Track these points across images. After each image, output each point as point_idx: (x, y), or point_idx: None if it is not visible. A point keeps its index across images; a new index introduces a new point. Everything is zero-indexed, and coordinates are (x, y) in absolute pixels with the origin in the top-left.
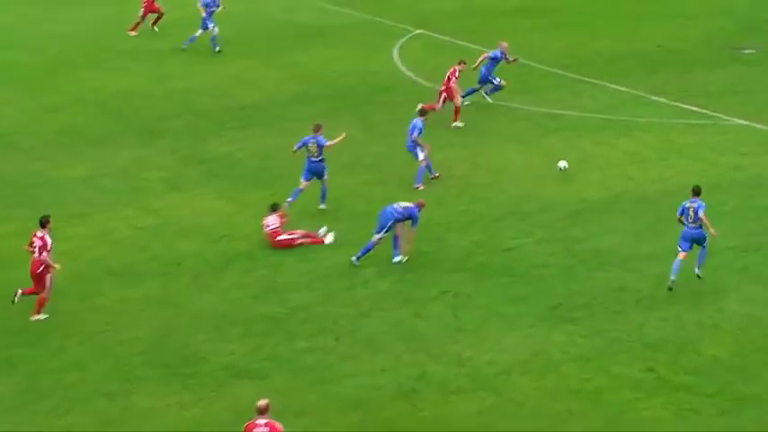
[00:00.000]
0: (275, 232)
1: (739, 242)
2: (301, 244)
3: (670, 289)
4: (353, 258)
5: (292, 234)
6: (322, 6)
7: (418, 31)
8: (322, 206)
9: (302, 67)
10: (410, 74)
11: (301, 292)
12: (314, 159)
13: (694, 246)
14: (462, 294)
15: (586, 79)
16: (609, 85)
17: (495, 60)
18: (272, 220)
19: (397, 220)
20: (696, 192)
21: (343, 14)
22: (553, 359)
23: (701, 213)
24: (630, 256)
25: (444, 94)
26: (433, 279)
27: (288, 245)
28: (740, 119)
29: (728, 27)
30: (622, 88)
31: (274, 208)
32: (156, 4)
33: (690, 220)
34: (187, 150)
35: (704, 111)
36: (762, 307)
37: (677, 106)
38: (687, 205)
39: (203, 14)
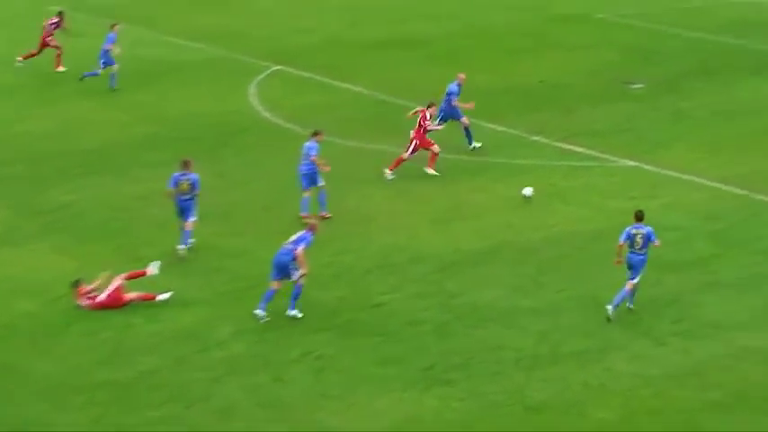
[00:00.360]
0: (92, 298)
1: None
2: (131, 301)
3: (608, 320)
4: (259, 312)
5: (115, 292)
6: (170, 41)
7: (277, 68)
8: (181, 248)
9: (150, 108)
10: (268, 114)
11: (149, 355)
12: (184, 198)
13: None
14: (327, 356)
15: None
16: (486, 124)
17: (451, 95)
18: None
19: (292, 261)
20: (639, 217)
21: (193, 50)
22: (427, 426)
23: (656, 241)
24: (510, 311)
25: (416, 142)
26: (295, 339)
27: (113, 303)
28: (628, 159)
29: (615, 60)
30: (500, 128)
31: (76, 284)
32: (52, 39)
33: (637, 247)
34: (23, 200)
35: (590, 151)
36: (651, 365)
37: (561, 147)
38: (633, 231)
39: (107, 50)
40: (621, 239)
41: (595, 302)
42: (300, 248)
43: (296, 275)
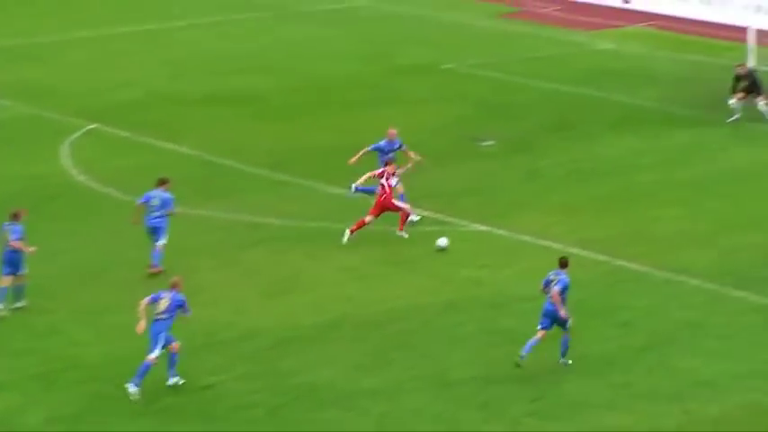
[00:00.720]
0: None
1: (480, 372)
2: None
3: (518, 365)
4: (131, 387)
5: None
6: None
7: (92, 126)
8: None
9: None
10: (82, 177)
11: None
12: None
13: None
14: None
15: (295, 180)
16: (322, 186)
17: (381, 152)
18: None
19: (169, 327)
20: (563, 263)
21: None
22: None
23: (555, 289)
24: (350, 393)
25: (384, 204)
26: (112, 426)
27: None
28: (479, 224)
29: (464, 114)
30: (338, 190)
31: None
32: None
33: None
34: None
35: (437, 215)
36: None
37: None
38: (552, 277)
39: None
40: (542, 285)
41: (444, 382)
42: (183, 311)
43: (173, 342)
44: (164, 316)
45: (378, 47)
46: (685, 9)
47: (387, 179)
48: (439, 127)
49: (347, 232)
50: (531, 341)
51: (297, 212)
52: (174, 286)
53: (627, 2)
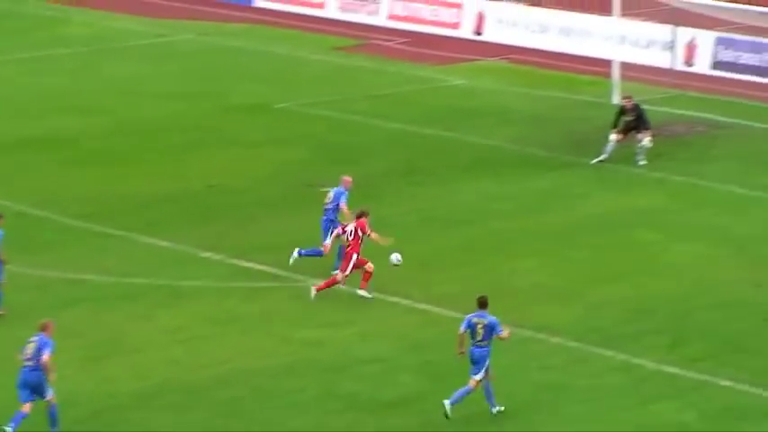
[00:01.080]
0: None
1: None
2: None
3: (447, 416)
4: None
5: None
6: None
7: None
8: None
9: None
10: None
11: None
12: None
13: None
14: None
15: (115, 232)
16: (144, 238)
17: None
18: None
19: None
20: (482, 303)
21: None
22: None
23: (503, 332)
24: None
25: (356, 256)
26: None
27: None
28: (318, 279)
29: (301, 158)
30: (163, 242)
31: None
32: None
33: (478, 338)
34: None
35: (272, 269)
36: None
37: (237, 265)
38: (474, 320)
39: None
40: (462, 328)
41: None
42: (46, 355)
43: (49, 394)
44: (32, 363)
45: (205, 85)
46: (543, 41)
47: (364, 230)
48: (273, 172)
49: (363, 293)
50: (463, 389)
51: (118, 268)
52: (43, 329)
53: (479, 33)
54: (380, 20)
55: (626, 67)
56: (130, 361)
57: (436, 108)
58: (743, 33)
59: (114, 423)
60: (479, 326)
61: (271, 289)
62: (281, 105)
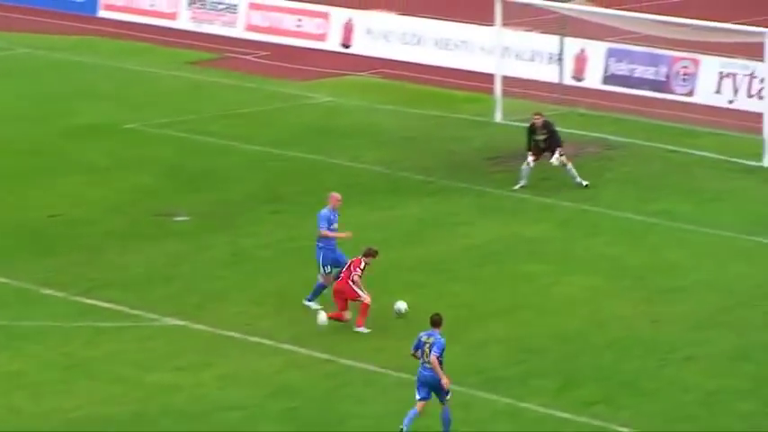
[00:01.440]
0: None
1: None
2: None
3: None
4: None
5: None
6: None
7: None
8: None
9: None
10: None
11: None
12: None
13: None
14: None
15: None
16: None
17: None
18: None
19: None
20: (435, 322)
21: None
22: None
23: (433, 354)
24: None
25: (344, 294)
26: None
27: None
28: (172, 317)
29: (151, 184)
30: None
31: None
32: None
33: (426, 359)
34: None
35: (120, 307)
36: None
37: (81, 302)
38: (423, 339)
39: None
40: (412, 348)
41: None
42: None
43: None
44: None
45: (44, 104)
46: (417, 53)
47: (355, 269)
48: (121, 200)
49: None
50: (411, 413)
51: None
52: None
53: (347, 46)
54: (238, 31)
55: (509, 82)
56: None
57: (300, 128)
58: (637, 44)
59: None
60: (427, 345)
61: (120, 329)
62: (130, 126)
